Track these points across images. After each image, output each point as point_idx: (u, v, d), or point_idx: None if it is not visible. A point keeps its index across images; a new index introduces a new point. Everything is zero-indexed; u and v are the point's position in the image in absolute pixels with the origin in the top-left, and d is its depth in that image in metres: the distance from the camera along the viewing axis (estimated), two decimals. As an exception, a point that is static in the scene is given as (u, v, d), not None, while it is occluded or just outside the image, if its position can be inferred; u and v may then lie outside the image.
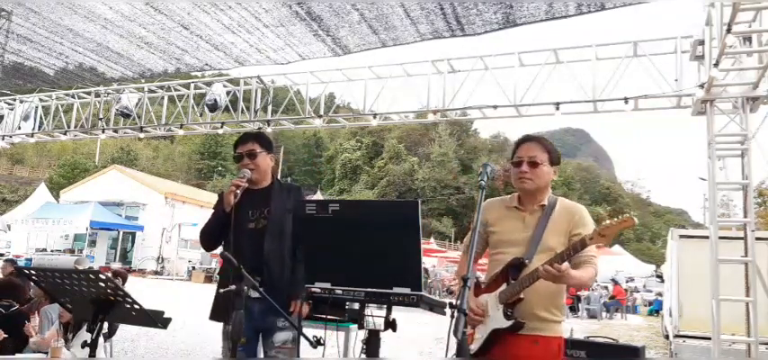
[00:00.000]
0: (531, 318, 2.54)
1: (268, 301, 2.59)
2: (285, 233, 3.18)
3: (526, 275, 2.51)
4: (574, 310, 20.53)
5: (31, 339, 4.35)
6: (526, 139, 2.77)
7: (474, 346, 2.60)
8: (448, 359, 2.53)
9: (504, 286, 2.58)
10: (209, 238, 3.36)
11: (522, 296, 2.52)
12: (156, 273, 27.90)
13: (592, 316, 19.86)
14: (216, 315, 3.18)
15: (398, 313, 2.34)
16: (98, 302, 2.41)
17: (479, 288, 2.72)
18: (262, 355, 3.17)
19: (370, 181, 57.66)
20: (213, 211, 3.34)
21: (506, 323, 2.51)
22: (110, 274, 2.59)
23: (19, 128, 11.49)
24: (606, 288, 24.63)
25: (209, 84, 10.08)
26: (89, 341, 2.43)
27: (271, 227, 3.20)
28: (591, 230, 2.56)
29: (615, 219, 2.42)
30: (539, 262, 2.51)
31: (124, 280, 6.77)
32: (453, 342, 2.12)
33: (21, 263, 12.48)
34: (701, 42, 6.48)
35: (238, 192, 3.14)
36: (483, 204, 2.91)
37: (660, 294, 21.58)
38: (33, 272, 2.67)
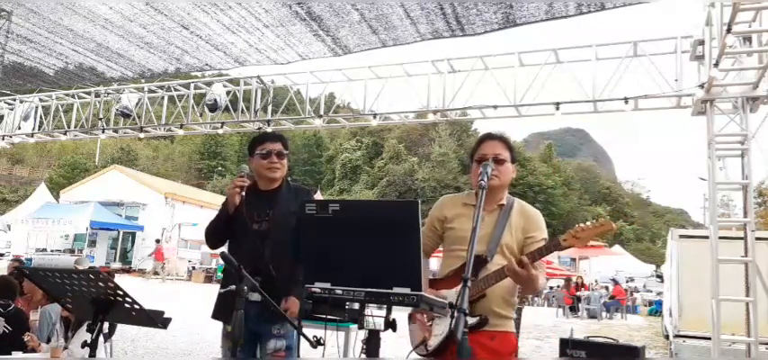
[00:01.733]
0: (490, 314, 2.55)
1: (264, 306, 2.58)
2: (289, 236, 3.13)
3: (493, 273, 2.52)
4: (574, 310, 20.52)
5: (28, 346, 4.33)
6: (490, 137, 2.76)
7: (433, 343, 2.58)
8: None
9: None
10: (212, 236, 3.36)
11: (485, 293, 2.54)
12: (156, 273, 27.89)
13: (592, 316, 19.84)
14: (217, 314, 3.18)
15: (398, 313, 2.33)
16: (98, 302, 2.40)
17: (435, 283, 2.69)
18: (259, 356, 3.17)
19: (370, 181, 57.60)
20: (220, 209, 3.34)
21: (472, 319, 2.48)
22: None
23: (19, 128, 11.51)
24: (606, 288, 24.61)
25: (209, 84, 10.09)
26: (89, 341, 2.43)
27: (273, 230, 3.17)
28: (544, 236, 2.62)
29: (589, 223, 2.46)
30: (499, 260, 2.55)
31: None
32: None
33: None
34: (701, 42, 6.48)
35: (242, 193, 3.12)
36: (440, 200, 2.92)
37: (660, 294, 21.58)
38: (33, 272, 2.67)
